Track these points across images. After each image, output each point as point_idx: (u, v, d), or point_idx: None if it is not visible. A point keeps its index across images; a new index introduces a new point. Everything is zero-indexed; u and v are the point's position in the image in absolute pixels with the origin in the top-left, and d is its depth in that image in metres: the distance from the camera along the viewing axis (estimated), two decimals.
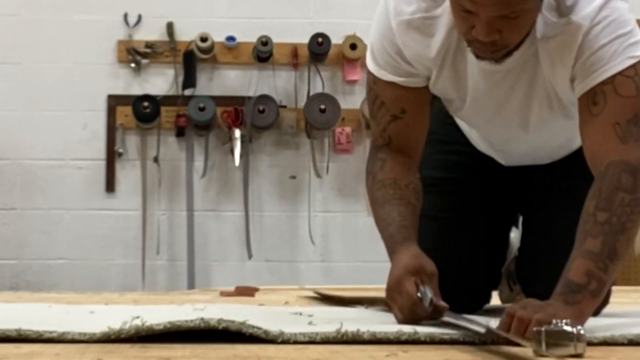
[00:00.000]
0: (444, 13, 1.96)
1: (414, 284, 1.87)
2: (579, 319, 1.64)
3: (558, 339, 1.45)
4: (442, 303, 1.84)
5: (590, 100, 1.89)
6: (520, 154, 2.33)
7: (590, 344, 1.58)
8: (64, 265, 5.28)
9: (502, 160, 2.37)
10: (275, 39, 5.34)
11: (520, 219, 2.57)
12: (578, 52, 1.89)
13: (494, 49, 1.86)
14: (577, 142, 2.29)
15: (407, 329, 1.66)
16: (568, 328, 1.45)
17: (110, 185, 5.31)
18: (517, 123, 2.11)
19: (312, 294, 3.29)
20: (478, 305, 2.41)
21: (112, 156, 5.31)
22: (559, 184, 2.36)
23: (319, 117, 5.28)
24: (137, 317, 1.67)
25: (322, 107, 5.27)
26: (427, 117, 2.13)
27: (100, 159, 5.32)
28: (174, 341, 1.57)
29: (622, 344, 1.62)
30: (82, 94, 5.33)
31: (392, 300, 1.91)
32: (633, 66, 1.87)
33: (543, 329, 1.46)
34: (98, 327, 1.63)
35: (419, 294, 1.84)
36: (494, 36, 1.82)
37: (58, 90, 5.32)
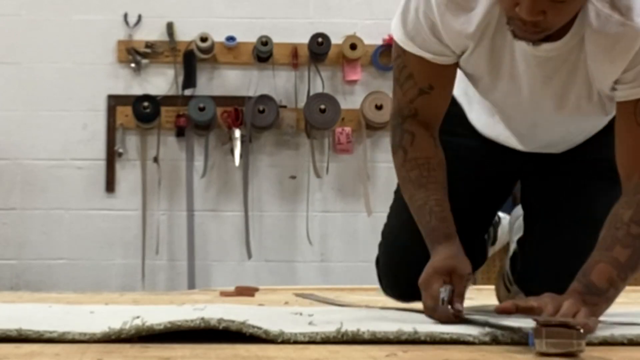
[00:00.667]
0: None
1: (440, 283, 1.89)
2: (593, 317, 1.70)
3: (558, 336, 1.45)
4: (458, 306, 1.86)
5: (638, 109, 1.86)
6: (541, 140, 2.29)
7: (590, 343, 1.58)
8: (64, 265, 5.28)
9: (520, 146, 2.32)
10: (275, 39, 5.34)
11: (521, 218, 2.57)
12: (635, 58, 1.84)
13: (535, 30, 1.80)
14: (592, 132, 2.28)
15: (407, 328, 1.66)
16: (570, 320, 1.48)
17: (110, 185, 5.31)
18: (551, 108, 2.07)
19: (309, 299, 3.28)
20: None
21: (112, 156, 5.31)
22: (566, 180, 2.35)
23: (319, 117, 5.28)
24: (137, 317, 1.67)
25: (322, 107, 5.27)
26: (451, 92, 2.11)
27: (100, 159, 5.32)
28: (174, 341, 1.57)
29: (622, 344, 1.62)
30: (82, 94, 5.33)
31: (422, 295, 1.94)
32: None
33: (543, 329, 1.46)
34: (98, 327, 1.63)
35: (441, 295, 1.87)
36: (538, 16, 1.75)
37: (58, 90, 5.32)
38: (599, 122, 2.22)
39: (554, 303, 1.72)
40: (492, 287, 2.87)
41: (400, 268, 2.35)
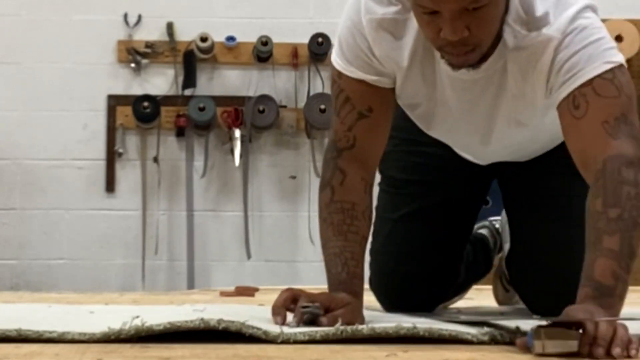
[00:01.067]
0: (413, 17, 1.90)
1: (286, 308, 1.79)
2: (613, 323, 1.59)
3: (557, 337, 1.45)
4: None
5: (571, 105, 1.84)
6: (492, 156, 2.30)
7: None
8: (64, 265, 5.28)
9: (478, 161, 2.35)
10: (275, 39, 5.34)
11: (506, 218, 2.57)
12: (552, 63, 1.86)
13: (467, 49, 1.81)
14: (557, 141, 2.28)
15: (406, 323, 1.66)
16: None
17: (110, 185, 5.31)
18: (479, 134, 2.09)
19: None
20: (433, 304, 2.42)
21: (112, 156, 5.31)
22: (543, 182, 2.35)
23: (319, 117, 5.28)
24: (137, 317, 1.67)
25: (322, 107, 5.27)
26: (390, 122, 2.04)
27: (100, 159, 5.32)
28: (174, 341, 1.57)
29: None
30: (82, 94, 5.33)
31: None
32: (611, 70, 1.83)
33: (542, 329, 1.46)
34: (98, 327, 1.63)
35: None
36: (463, 33, 1.77)
37: (58, 90, 5.32)
38: (550, 129, 2.17)
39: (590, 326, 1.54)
40: (491, 287, 2.87)
41: (394, 289, 2.39)
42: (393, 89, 2.01)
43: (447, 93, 2.00)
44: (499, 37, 1.88)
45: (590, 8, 1.89)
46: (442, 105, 2.03)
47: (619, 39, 5.11)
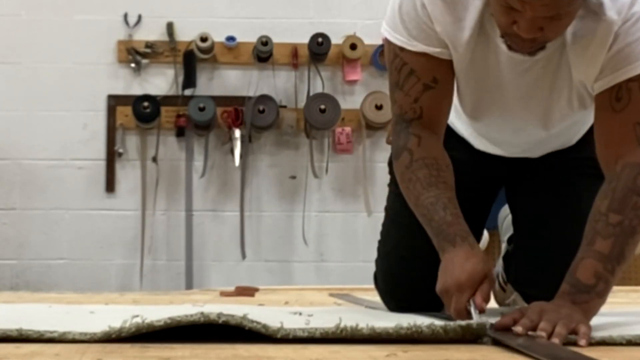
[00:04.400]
0: None
1: (468, 296, 1.84)
2: (586, 317, 1.70)
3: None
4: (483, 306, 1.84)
5: (614, 96, 1.86)
6: (524, 146, 2.30)
7: (589, 344, 1.58)
8: (64, 265, 5.28)
9: (503, 152, 2.34)
10: (275, 39, 5.34)
11: (509, 217, 2.57)
12: (609, 49, 1.86)
13: (533, 45, 1.84)
14: (577, 137, 2.30)
15: (406, 322, 1.66)
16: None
17: (110, 185, 5.31)
18: (538, 117, 2.09)
19: (345, 299, 3.27)
20: (440, 305, 2.41)
21: (112, 156, 5.32)
22: (550, 180, 2.36)
23: (319, 117, 5.29)
24: (137, 316, 1.67)
25: (322, 107, 5.28)
26: (453, 90, 2.07)
27: (100, 159, 5.32)
28: (174, 341, 1.57)
29: (621, 344, 1.62)
30: (82, 94, 5.33)
31: (446, 299, 1.90)
32: None
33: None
34: (99, 327, 1.63)
35: (470, 308, 1.84)
36: (537, 34, 1.78)
37: (58, 90, 5.33)
38: (581, 124, 2.22)
39: (531, 315, 1.66)
40: None
41: (400, 287, 2.37)
42: (452, 63, 2.01)
43: (506, 76, 2.00)
44: None
45: None
46: (498, 88, 2.04)
47: None
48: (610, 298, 2.36)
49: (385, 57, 2.09)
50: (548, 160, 2.35)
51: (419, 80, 2.00)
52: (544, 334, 1.59)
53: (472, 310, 1.82)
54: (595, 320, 1.80)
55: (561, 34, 1.84)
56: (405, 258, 2.37)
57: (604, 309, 1.82)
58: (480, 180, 2.39)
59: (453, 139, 2.31)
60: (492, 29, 1.91)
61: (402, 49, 2.01)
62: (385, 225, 2.44)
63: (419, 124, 2.01)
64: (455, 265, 1.87)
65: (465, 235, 1.91)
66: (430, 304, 2.28)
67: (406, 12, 1.98)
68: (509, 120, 2.16)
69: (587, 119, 2.19)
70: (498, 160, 2.36)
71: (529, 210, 2.40)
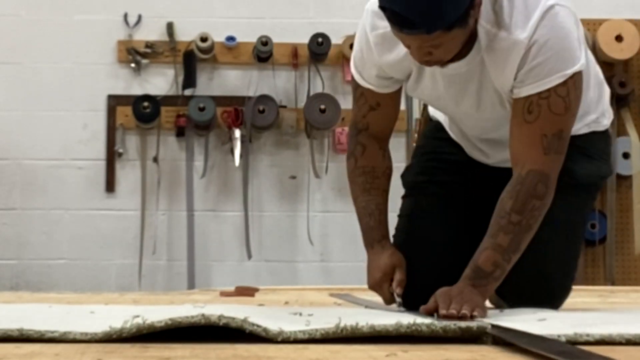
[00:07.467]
0: None
1: (389, 283, 2.33)
2: (483, 298, 2.12)
3: None
4: (399, 291, 2.31)
5: (526, 108, 2.16)
6: (498, 153, 2.46)
7: (588, 343, 1.59)
8: (64, 265, 5.28)
9: (487, 159, 2.51)
10: (275, 39, 5.34)
11: None
12: (520, 63, 2.14)
13: (430, 64, 2.14)
14: None
15: (406, 321, 1.66)
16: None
17: (110, 185, 5.32)
18: (474, 113, 2.35)
19: (344, 299, 3.27)
20: None
21: (112, 156, 5.32)
22: None
23: (319, 117, 5.29)
24: (137, 317, 1.68)
25: (322, 107, 5.28)
26: (398, 109, 2.47)
27: (100, 159, 5.33)
28: (174, 341, 1.57)
29: (620, 344, 1.63)
30: (82, 94, 5.33)
31: (377, 292, 2.38)
32: (565, 83, 2.14)
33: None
34: (99, 326, 1.63)
35: (395, 296, 2.32)
36: (425, 57, 2.10)
37: (58, 90, 5.33)
38: None
39: (444, 300, 2.02)
40: None
41: (411, 284, 2.41)
42: (400, 89, 2.40)
43: (440, 85, 2.29)
44: (475, 36, 2.14)
45: (557, 4, 2.13)
46: (442, 96, 2.33)
47: (619, 39, 5.10)
48: (611, 298, 2.37)
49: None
50: None
51: (367, 102, 2.41)
52: (454, 312, 1.96)
53: (395, 296, 2.29)
54: (594, 320, 1.80)
55: (452, 53, 2.11)
56: (413, 250, 2.45)
57: (604, 308, 1.82)
58: (477, 180, 2.54)
59: (451, 146, 2.57)
60: None
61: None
62: (397, 227, 2.60)
63: (366, 134, 2.43)
64: (372, 266, 2.36)
65: (380, 238, 2.38)
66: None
67: (355, 53, 2.35)
68: (464, 121, 2.46)
69: None
70: (484, 166, 2.54)
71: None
